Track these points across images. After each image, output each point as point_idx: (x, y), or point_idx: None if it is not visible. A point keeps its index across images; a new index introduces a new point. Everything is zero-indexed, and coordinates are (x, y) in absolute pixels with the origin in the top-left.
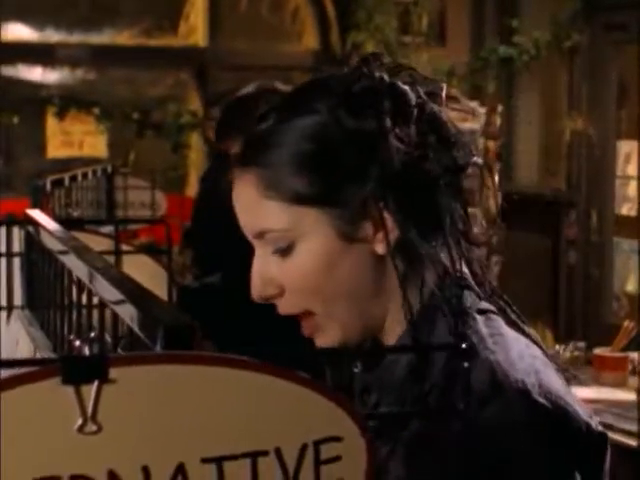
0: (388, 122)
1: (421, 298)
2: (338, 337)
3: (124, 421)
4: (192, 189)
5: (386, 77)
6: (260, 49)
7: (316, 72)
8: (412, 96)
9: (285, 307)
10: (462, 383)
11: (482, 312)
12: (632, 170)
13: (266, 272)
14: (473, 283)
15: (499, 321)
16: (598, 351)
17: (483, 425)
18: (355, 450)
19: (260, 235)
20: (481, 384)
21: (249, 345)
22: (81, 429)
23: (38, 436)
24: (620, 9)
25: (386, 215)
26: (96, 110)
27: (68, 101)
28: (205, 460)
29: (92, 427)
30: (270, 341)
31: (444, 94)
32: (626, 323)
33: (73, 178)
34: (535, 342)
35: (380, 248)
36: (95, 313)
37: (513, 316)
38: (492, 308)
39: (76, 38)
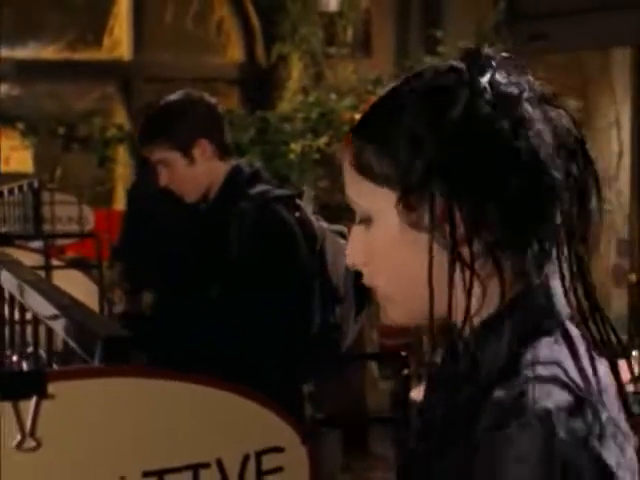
0: (497, 122)
1: (498, 301)
2: (396, 318)
3: (64, 437)
4: (120, 203)
5: (501, 77)
6: (185, 61)
7: (241, 85)
8: (525, 97)
9: (365, 278)
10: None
11: (548, 332)
12: None
13: (355, 242)
14: (561, 299)
15: (564, 348)
16: None
17: (490, 443)
18: (297, 460)
19: (353, 209)
20: (508, 400)
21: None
22: (20, 445)
23: None
24: (542, 19)
25: (456, 211)
26: (21, 125)
27: None
28: (146, 474)
29: (31, 443)
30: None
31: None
32: None
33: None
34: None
35: (442, 242)
36: (28, 329)
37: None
38: (571, 329)
39: (0, 53)
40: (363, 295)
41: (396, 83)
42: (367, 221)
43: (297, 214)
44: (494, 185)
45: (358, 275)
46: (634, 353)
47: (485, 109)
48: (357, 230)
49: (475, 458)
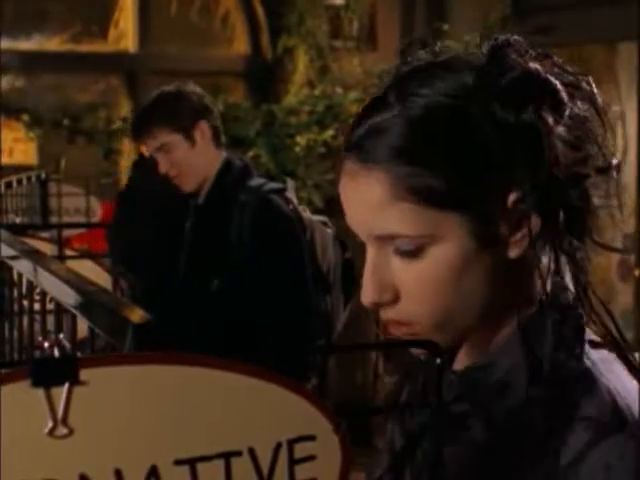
0: (550, 118)
1: (537, 302)
2: (442, 342)
3: (95, 424)
4: None
5: (538, 68)
6: (190, 54)
7: (247, 78)
8: (563, 90)
9: (391, 314)
10: (572, 410)
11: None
12: None
13: (384, 275)
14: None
15: (604, 350)
16: None
17: (599, 460)
18: (329, 449)
19: (387, 239)
20: (600, 415)
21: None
22: (52, 432)
23: (8, 440)
24: (549, 12)
25: (532, 215)
26: (25, 117)
27: None
28: (178, 462)
29: (63, 430)
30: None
31: (593, 87)
32: None
33: (8, 185)
34: None
35: (514, 251)
36: (51, 318)
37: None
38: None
39: (4, 44)
40: (351, 285)
41: (397, 91)
42: (414, 252)
43: (290, 206)
44: (572, 190)
45: (346, 265)
46: None
47: (549, 110)
48: (385, 263)
49: (573, 475)
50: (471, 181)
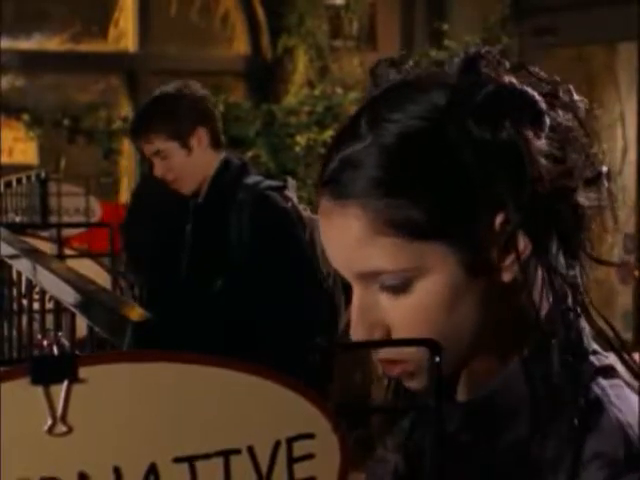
0: (529, 132)
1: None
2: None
3: (95, 421)
4: (125, 195)
5: (512, 80)
6: (190, 54)
7: (247, 78)
8: (542, 102)
9: (383, 353)
10: (580, 444)
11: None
12: None
13: (372, 312)
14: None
15: (614, 370)
16: None
17: None
18: (328, 447)
19: (371, 276)
20: (613, 451)
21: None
22: (51, 430)
23: (7, 438)
24: (549, 13)
25: (520, 237)
26: (26, 117)
27: None
28: (177, 460)
29: (62, 428)
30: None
31: (573, 94)
32: None
33: (8, 184)
34: None
35: (507, 276)
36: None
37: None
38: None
39: (4, 44)
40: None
41: (374, 115)
42: (401, 287)
43: (289, 204)
44: (560, 205)
45: None
46: None
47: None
48: (372, 300)
49: None
50: (453, 208)
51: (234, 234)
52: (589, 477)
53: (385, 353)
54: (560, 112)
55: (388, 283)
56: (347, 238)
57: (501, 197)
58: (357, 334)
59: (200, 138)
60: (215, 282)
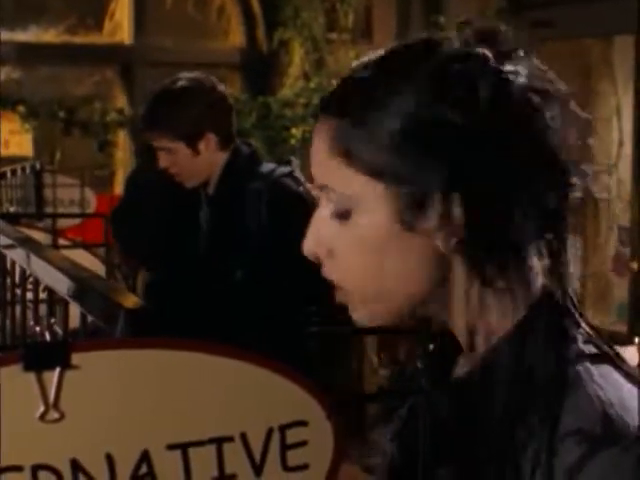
0: (481, 116)
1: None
2: (367, 320)
3: (87, 408)
4: (120, 187)
5: (493, 62)
6: (186, 46)
7: (242, 70)
8: (520, 89)
9: (327, 272)
10: (556, 418)
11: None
12: None
13: (318, 230)
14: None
15: (608, 360)
16: None
17: (594, 475)
18: (321, 435)
19: (321, 188)
20: (591, 427)
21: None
22: (43, 417)
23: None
24: (545, 6)
25: (455, 211)
26: (21, 109)
27: None
28: (170, 446)
29: (54, 415)
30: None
31: (561, 89)
32: None
33: (2, 176)
34: None
35: (442, 245)
36: (42, 305)
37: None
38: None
39: (0, 36)
40: None
41: (386, 59)
42: (343, 215)
43: (301, 188)
44: (523, 186)
45: None
46: (636, 340)
47: (518, 102)
48: (322, 217)
49: None
50: (404, 161)
51: (253, 224)
52: (566, 452)
53: (329, 273)
54: (554, 105)
55: (335, 208)
56: (317, 151)
57: (467, 171)
58: (305, 247)
59: (209, 142)
60: (236, 272)
